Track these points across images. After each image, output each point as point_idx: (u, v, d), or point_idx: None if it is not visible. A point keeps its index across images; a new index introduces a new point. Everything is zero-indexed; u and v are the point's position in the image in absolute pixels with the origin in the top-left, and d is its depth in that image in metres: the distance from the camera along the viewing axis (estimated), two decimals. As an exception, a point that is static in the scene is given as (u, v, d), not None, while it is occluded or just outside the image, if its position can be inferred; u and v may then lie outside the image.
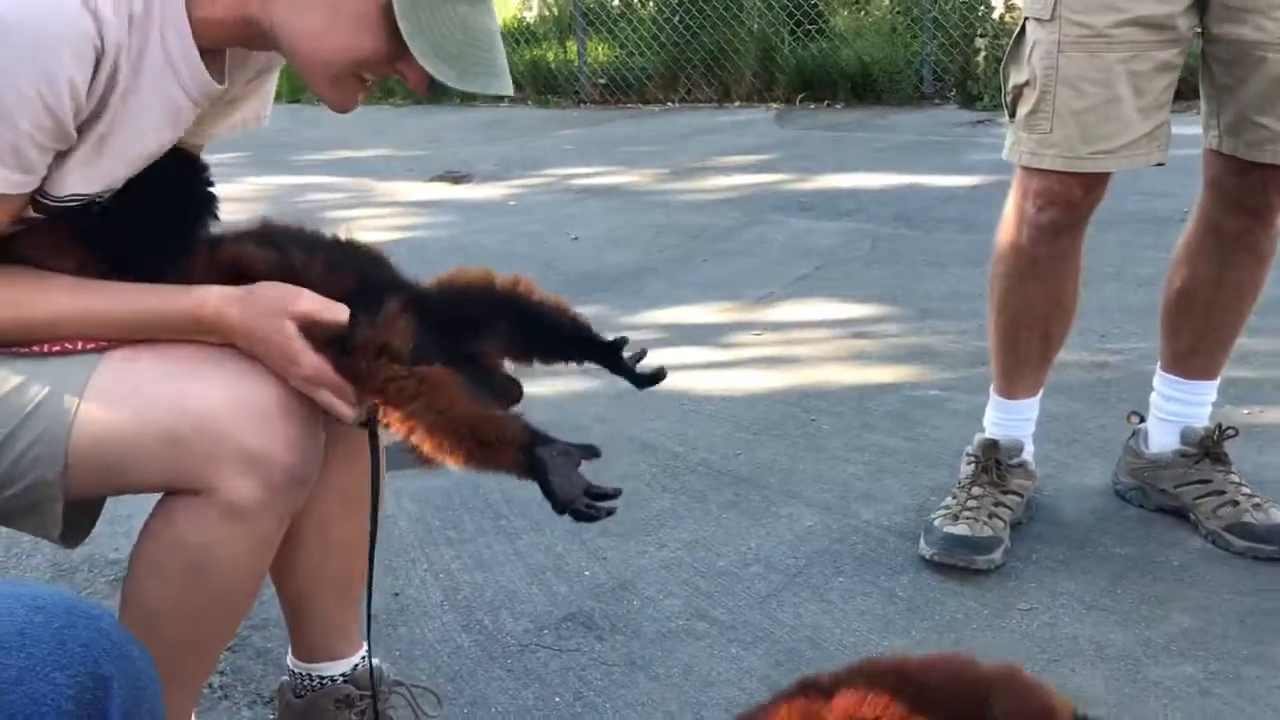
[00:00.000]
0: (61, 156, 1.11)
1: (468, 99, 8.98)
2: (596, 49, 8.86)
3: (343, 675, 1.45)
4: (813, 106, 7.61)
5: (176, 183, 1.26)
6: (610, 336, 1.38)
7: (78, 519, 1.22)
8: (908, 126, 6.63)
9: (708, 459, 2.49)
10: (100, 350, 1.16)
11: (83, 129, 1.10)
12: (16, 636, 0.72)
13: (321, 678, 1.45)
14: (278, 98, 1.46)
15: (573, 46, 8.91)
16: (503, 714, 1.68)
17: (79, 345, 1.15)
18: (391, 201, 5.44)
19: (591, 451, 1.20)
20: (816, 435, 2.58)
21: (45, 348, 1.15)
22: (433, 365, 1.18)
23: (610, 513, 1.19)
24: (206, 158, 1.34)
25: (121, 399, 1.13)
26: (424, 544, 2.18)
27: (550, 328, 1.36)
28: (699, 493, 2.33)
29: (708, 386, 2.90)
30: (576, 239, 4.55)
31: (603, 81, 8.60)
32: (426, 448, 1.19)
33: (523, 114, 8.34)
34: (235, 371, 1.15)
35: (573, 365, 1.42)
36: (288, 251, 1.24)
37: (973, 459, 2.12)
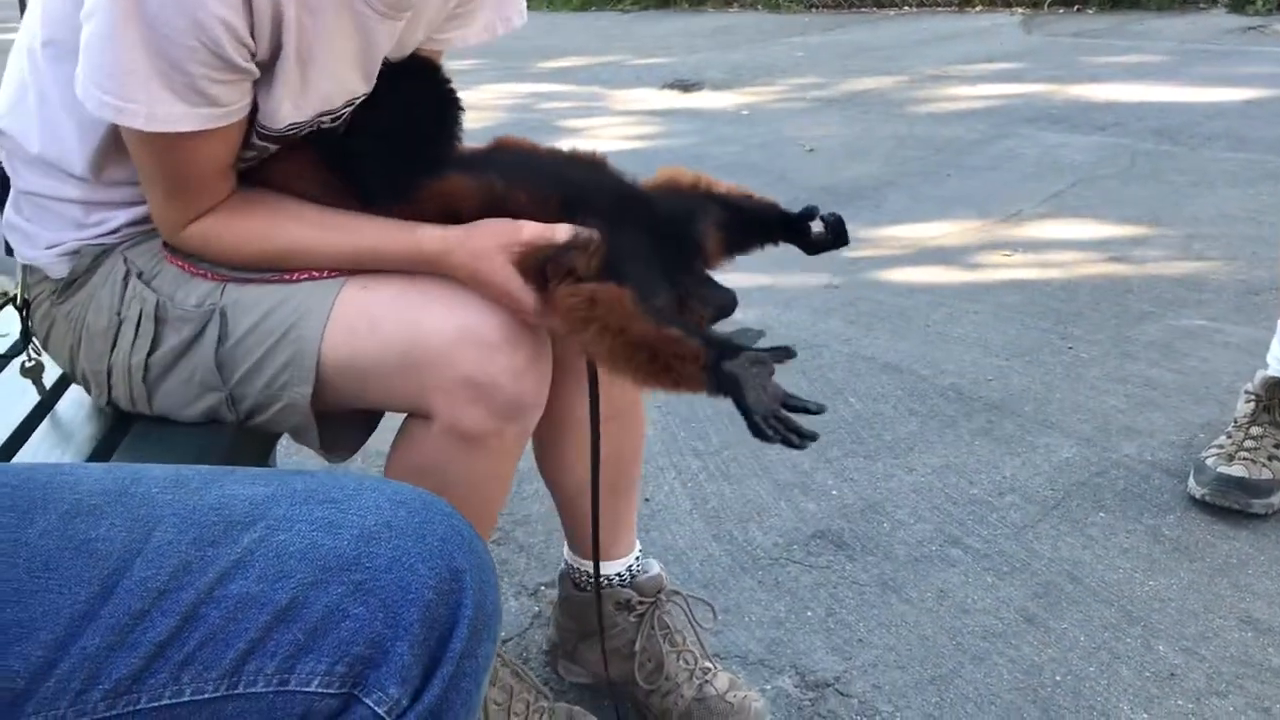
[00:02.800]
0: (267, 89, 1.13)
1: (695, 3, 8.89)
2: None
3: (618, 575, 1.50)
4: (1061, 11, 7.17)
5: (416, 98, 1.27)
6: (796, 210, 1.29)
7: (345, 434, 1.29)
8: (1169, 33, 6.17)
9: (957, 383, 2.43)
10: (345, 275, 1.20)
11: (273, 61, 1.11)
12: (385, 529, 0.77)
13: (601, 576, 1.51)
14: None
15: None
16: (757, 623, 1.72)
17: (324, 273, 1.20)
18: (623, 110, 5.47)
19: (786, 353, 1.09)
20: (1074, 364, 2.48)
21: (294, 275, 1.20)
22: (609, 283, 1.12)
23: (814, 437, 1.06)
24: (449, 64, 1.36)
25: (363, 326, 1.18)
26: (670, 453, 2.22)
27: (746, 214, 1.30)
28: (949, 418, 2.29)
29: (954, 309, 2.83)
30: (812, 150, 4.46)
31: (836, -15, 8.34)
32: (608, 370, 1.15)
33: (752, 19, 8.19)
34: (463, 301, 1.18)
35: (770, 248, 1.33)
36: (493, 180, 1.22)
37: (1252, 397, 1.99)
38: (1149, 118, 4.48)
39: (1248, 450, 1.92)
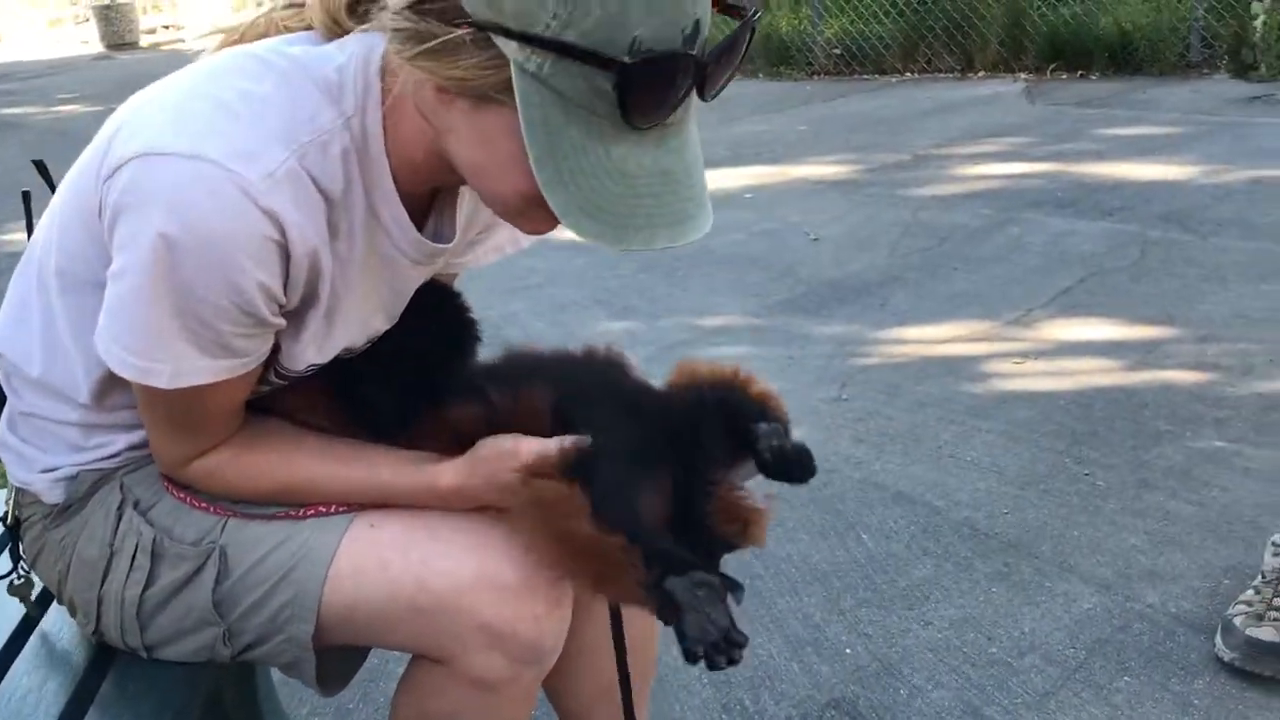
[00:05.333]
0: (294, 336, 1.10)
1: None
2: (831, 18, 8.60)
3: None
4: (1064, 77, 7.16)
5: (431, 327, 1.24)
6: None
7: (338, 666, 1.24)
8: (1173, 102, 6.15)
9: (971, 518, 2.36)
10: (352, 511, 1.16)
11: (300, 312, 1.08)
12: None
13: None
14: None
15: (807, 14, 8.68)
16: (769, 816, 1.64)
17: (332, 508, 1.16)
18: (628, 192, 5.44)
19: (736, 586, 1.05)
20: (1090, 493, 2.41)
21: (301, 512, 1.16)
22: (560, 483, 1.06)
23: (735, 662, 1.00)
24: None
25: (369, 568, 1.14)
26: (678, 601, 2.15)
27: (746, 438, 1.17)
28: (964, 560, 2.22)
29: (965, 426, 2.76)
30: (816, 239, 4.43)
31: (837, 51, 8.35)
32: (553, 571, 1.10)
33: (753, 88, 8.19)
34: (478, 544, 1.14)
35: None
36: (493, 401, 1.18)
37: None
38: (1156, 200, 4.43)
39: (1277, 609, 1.84)
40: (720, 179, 5.54)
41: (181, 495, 1.19)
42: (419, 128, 1.03)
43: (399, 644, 1.20)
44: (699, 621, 0.98)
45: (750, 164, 5.78)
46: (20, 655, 1.25)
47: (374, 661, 1.99)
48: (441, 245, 1.15)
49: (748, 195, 5.20)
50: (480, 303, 1.34)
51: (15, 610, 1.31)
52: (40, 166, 1.35)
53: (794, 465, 1.13)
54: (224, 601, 1.15)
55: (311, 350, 1.12)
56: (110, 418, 1.19)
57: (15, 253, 1.27)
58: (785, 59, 8.62)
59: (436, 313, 1.25)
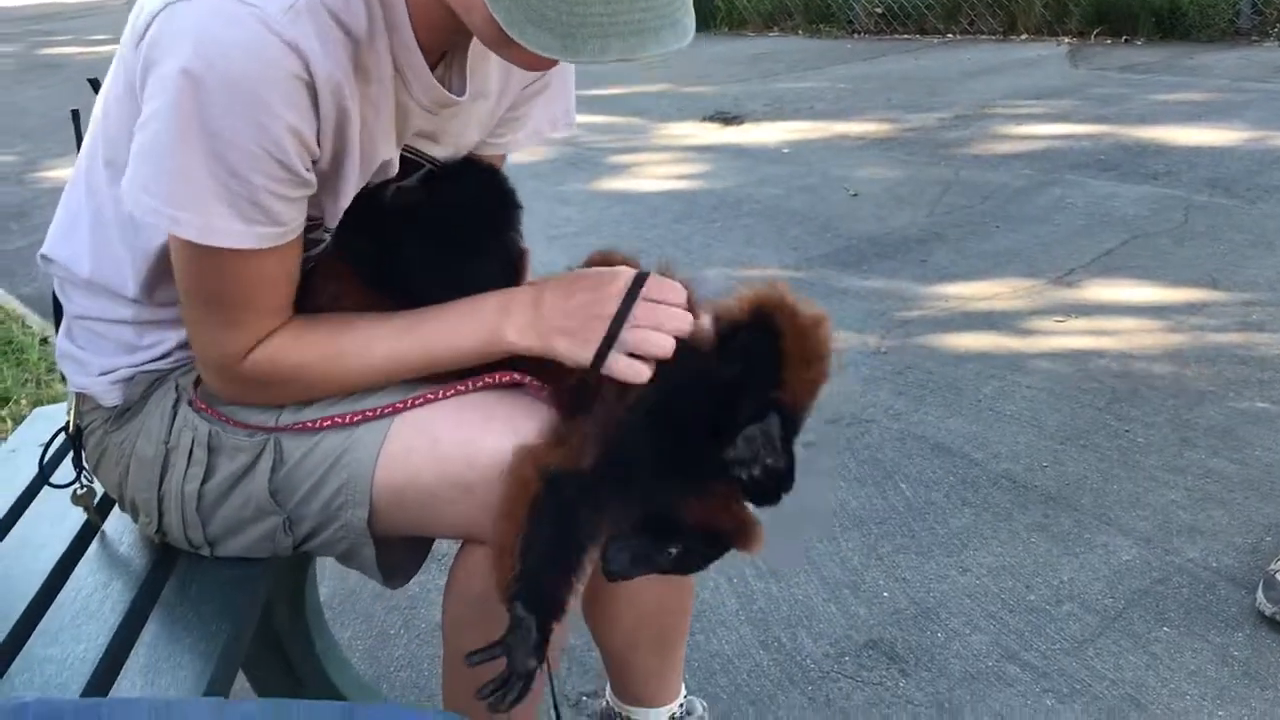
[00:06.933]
0: (334, 193, 1.10)
1: (735, 26, 8.84)
2: (874, -24, 8.48)
3: (659, 725, 1.45)
4: (1109, 42, 7.04)
5: (474, 198, 1.25)
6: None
7: (401, 561, 1.25)
8: (1221, 69, 6.05)
9: (1010, 470, 2.36)
10: (398, 412, 1.16)
11: (337, 167, 1.08)
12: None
13: (640, 723, 1.47)
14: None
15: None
16: (806, 749, 1.66)
17: (378, 411, 1.16)
18: (664, 146, 5.42)
19: (541, 658, 1.09)
20: (1130, 449, 2.41)
21: (348, 417, 1.16)
22: (535, 481, 1.08)
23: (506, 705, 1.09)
24: None
25: (420, 446, 1.14)
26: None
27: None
28: (1004, 510, 2.22)
29: (1006, 381, 2.75)
30: (856, 194, 4.40)
31: (879, 10, 8.24)
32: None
33: (792, 45, 8.11)
34: (524, 422, 1.14)
35: None
36: None
37: (1325, 506, 1.92)
38: (1202, 165, 4.38)
39: (1320, 565, 1.84)
40: (759, 133, 5.50)
41: (225, 419, 1.19)
42: None
43: (450, 527, 1.19)
44: (509, 648, 1.07)
45: (789, 119, 5.73)
46: (84, 558, 1.27)
47: (414, 590, 2.02)
48: (455, 97, 1.15)
49: (786, 150, 5.16)
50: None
51: (77, 519, 1.34)
52: (74, 116, 1.35)
53: (763, 491, 1.10)
54: (280, 490, 1.16)
55: (343, 202, 1.12)
56: (161, 313, 1.20)
57: (56, 187, 1.28)
58: (826, 16, 8.51)
59: (476, 186, 1.25)
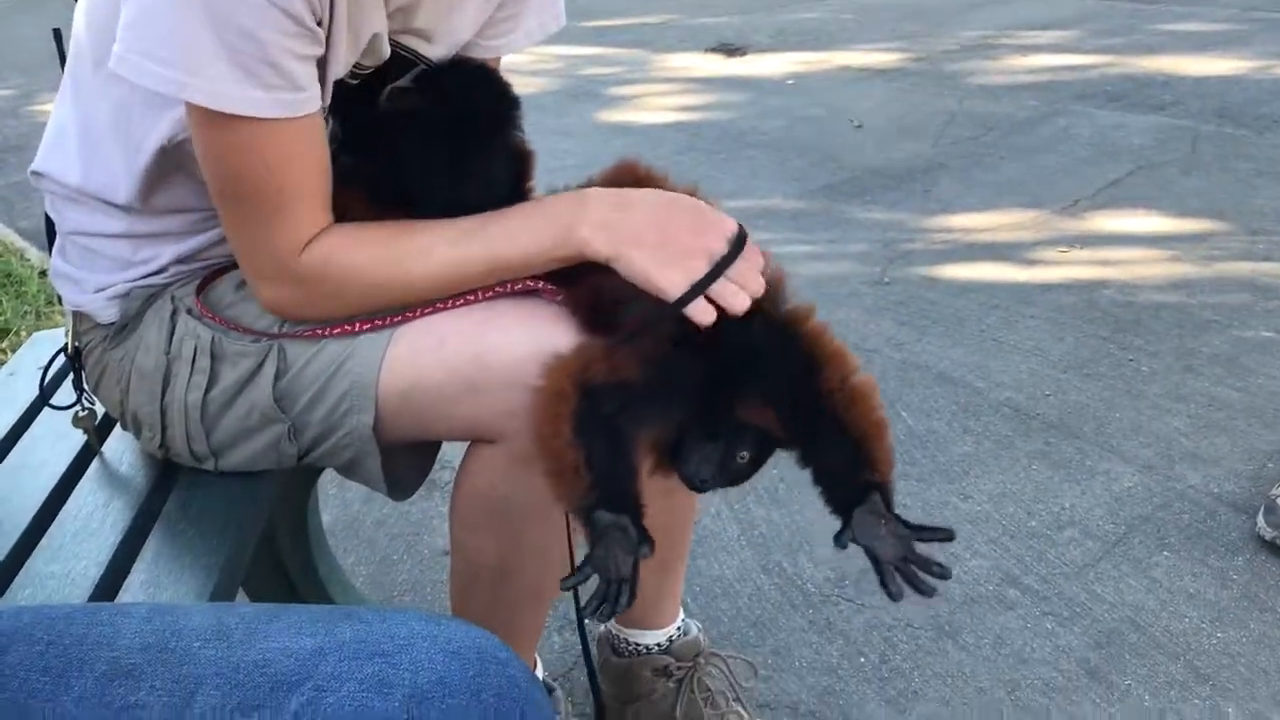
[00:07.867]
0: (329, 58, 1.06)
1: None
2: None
3: (658, 645, 1.46)
4: (1118, -29, 6.94)
5: (472, 95, 1.21)
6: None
7: (406, 473, 1.23)
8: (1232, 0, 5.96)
9: (1013, 398, 2.35)
10: (407, 321, 1.14)
11: (326, 28, 1.04)
12: (438, 686, 0.73)
13: (638, 645, 1.47)
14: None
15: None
16: (808, 669, 1.67)
17: (387, 320, 1.14)
18: (668, 78, 5.35)
19: (646, 540, 1.04)
20: (1134, 378, 2.40)
21: (356, 325, 1.14)
22: (566, 383, 1.06)
23: (610, 616, 1.04)
24: None
25: (426, 349, 1.12)
26: (718, 469, 2.17)
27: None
28: (1005, 438, 2.22)
29: (1010, 311, 2.74)
30: (860, 126, 4.35)
31: (884, -60, 8.11)
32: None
33: (798, -25, 7.99)
34: (532, 319, 1.11)
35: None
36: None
37: (1328, 431, 1.92)
38: (1209, 95, 4.32)
39: (1322, 490, 1.84)
40: (762, 65, 5.44)
41: (226, 324, 1.17)
42: None
43: (457, 428, 1.17)
44: (603, 559, 1.02)
45: (794, 50, 5.66)
46: (85, 478, 1.27)
47: (416, 515, 2.03)
48: None
49: (790, 82, 5.10)
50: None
51: (77, 440, 1.33)
52: (56, 35, 1.33)
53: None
54: (285, 397, 1.14)
55: (339, 68, 1.08)
56: (155, 224, 1.19)
57: (44, 122, 1.25)
58: (830, -53, 8.38)
59: (472, 81, 1.21)
